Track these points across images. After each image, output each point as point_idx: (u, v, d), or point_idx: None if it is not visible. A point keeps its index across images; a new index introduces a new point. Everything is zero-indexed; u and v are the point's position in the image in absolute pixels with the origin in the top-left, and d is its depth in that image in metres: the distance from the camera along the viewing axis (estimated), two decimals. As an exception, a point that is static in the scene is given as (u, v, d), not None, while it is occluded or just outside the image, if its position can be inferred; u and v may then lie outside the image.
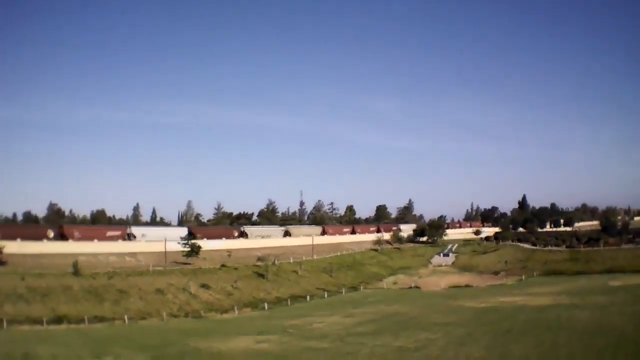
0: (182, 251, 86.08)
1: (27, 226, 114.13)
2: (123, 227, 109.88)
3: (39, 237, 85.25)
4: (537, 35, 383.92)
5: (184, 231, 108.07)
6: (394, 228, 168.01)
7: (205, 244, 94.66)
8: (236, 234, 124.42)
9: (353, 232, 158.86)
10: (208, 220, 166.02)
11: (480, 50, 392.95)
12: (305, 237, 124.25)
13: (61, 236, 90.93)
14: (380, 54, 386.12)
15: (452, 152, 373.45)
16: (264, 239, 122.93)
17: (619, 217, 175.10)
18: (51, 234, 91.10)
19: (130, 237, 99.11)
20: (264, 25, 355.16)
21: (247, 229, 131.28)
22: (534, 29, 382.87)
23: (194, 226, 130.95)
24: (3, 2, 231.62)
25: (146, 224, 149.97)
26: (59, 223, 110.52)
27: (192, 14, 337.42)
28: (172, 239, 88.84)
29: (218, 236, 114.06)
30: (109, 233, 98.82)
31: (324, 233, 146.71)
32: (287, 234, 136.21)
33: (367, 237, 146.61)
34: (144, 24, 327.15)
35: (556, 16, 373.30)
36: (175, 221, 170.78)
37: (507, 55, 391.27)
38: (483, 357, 27.34)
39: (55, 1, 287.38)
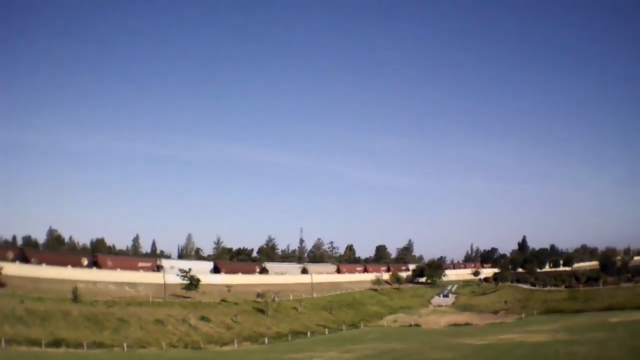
0: (181, 284, 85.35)
1: (62, 253, 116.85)
2: (153, 259, 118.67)
3: (74, 264, 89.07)
4: (540, 70, 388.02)
5: (209, 265, 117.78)
6: (403, 267, 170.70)
7: (226, 279, 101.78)
8: (258, 270, 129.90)
9: (365, 270, 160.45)
10: (208, 255, 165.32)
11: (481, 87, 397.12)
12: (317, 275, 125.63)
13: (94, 264, 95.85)
14: (380, 91, 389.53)
15: (452, 192, 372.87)
16: (270, 276, 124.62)
17: (619, 257, 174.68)
18: (85, 261, 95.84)
19: (159, 269, 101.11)
20: (266, 59, 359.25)
21: (268, 265, 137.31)
22: (537, 63, 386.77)
23: (220, 261, 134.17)
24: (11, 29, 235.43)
25: (168, 257, 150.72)
26: (91, 253, 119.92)
27: (196, 48, 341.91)
28: (199, 272, 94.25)
29: (242, 271, 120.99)
30: (140, 264, 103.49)
31: (339, 271, 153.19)
32: (304, 271, 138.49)
33: (367, 277, 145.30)
34: (146, 56, 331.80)
35: (559, 48, 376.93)
36: (175, 254, 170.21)
37: (508, 94, 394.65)
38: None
39: (64, 32, 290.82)
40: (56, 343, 51.90)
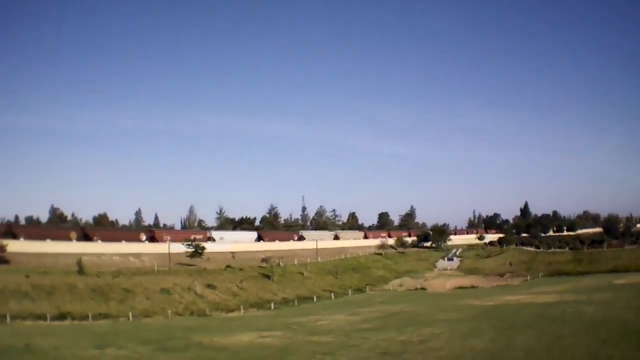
0: (186, 252, 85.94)
1: (121, 230, 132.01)
2: (203, 231, 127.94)
3: (134, 240, 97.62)
4: (540, 38, 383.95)
5: (254, 235, 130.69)
6: (405, 234, 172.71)
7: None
8: (296, 238, 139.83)
9: (389, 235, 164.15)
10: (211, 226, 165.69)
11: (482, 55, 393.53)
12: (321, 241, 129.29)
13: (151, 239, 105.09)
14: (382, 60, 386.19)
15: (454, 159, 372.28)
16: (272, 242, 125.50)
17: (621, 224, 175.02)
18: (143, 237, 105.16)
19: (210, 239, 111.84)
20: (266, 32, 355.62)
21: (304, 233, 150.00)
22: (537, 32, 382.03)
23: (264, 231, 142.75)
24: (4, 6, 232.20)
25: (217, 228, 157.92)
26: (148, 228, 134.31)
27: (192, 21, 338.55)
28: (244, 242, 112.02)
29: (284, 239, 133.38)
30: (194, 236, 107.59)
31: (366, 237, 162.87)
32: (336, 237, 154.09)
33: (372, 242, 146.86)
34: (145, 30, 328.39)
35: (560, 20, 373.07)
36: (177, 226, 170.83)
37: (509, 60, 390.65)
38: (486, 349, 26.80)
39: (59, 6, 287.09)
40: (61, 316, 51.96)
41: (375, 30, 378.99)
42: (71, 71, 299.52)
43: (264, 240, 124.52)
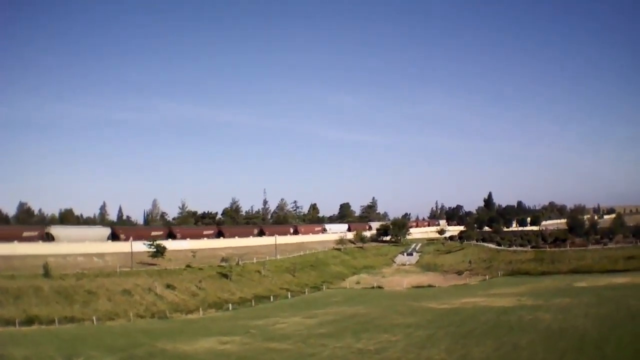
0: (147, 252, 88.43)
1: (138, 227, 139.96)
2: (165, 227, 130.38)
3: (146, 237, 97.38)
4: (506, 28, 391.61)
5: (213, 230, 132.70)
6: (366, 227, 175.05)
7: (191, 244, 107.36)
8: (256, 232, 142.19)
9: (349, 229, 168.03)
10: (173, 219, 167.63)
11: (445, 42, 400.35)
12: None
13: (169, 235, 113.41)
14: (342, 47, 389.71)
15: (417, 148, 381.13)
16: (233, 239, 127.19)
17: (588, 217, 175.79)
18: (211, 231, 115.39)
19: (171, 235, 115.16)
20: (228, 23, 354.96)
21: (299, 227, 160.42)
22: (500, 21, 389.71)
23: (224, 227, 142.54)
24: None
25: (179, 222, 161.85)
26: (110, 223, 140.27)
27: (159, 12, 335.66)
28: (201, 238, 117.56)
29: (245, 234, 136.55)
30: (205, 232, 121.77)
31: (349, 230, 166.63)
32: (324, 230, 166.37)
33: (331, 237, 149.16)
34: (114, 22, 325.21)
35: (526, 12, 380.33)
36: (141, 220, 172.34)
37: (474, 50, 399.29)
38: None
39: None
40: (29, 321, 54.33)
41: (337, 19, 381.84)
42: (36, 62, 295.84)
43: (224, 237, 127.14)
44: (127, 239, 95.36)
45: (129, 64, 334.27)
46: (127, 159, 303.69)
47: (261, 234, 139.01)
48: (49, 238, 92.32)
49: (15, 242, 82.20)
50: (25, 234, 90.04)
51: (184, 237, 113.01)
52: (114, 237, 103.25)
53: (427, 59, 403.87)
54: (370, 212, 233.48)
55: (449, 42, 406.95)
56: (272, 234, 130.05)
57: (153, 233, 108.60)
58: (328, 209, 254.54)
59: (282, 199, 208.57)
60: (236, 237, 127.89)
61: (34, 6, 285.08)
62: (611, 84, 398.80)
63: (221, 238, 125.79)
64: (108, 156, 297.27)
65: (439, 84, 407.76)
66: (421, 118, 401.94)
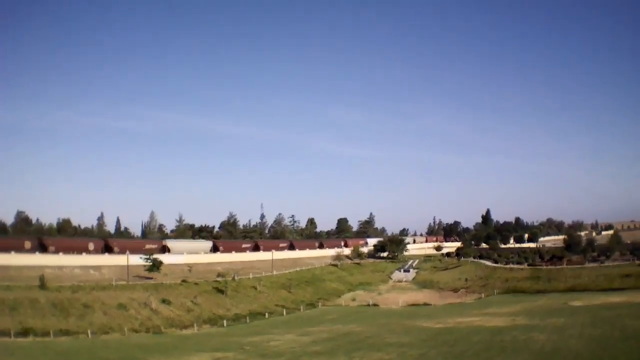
0: (144, 265, 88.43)
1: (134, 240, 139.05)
2: (159, 240, 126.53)
3: (139, 250, 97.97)
4: (506, 43, 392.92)
5: (209, 244, 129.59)
6: (362, 242, 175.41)
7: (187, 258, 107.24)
8: (252, 247, 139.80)
9: (345, 245, 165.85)
10: (171, 231, 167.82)
11: (444, 59, 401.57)
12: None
13: (162, 249, 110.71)
14: (340, 60, 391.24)
15: (415, 163, 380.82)
16: (231, 254, 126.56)
17: (585, 233, 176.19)
18: (92, 246, 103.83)
19: (165, 249, 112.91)
20: (228, 33, 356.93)
21: (294, 242, 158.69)
22: (499, 36, 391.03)
23: (219, 241, 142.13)
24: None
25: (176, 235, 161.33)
26: (104, 235, 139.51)
27: (153, 20, 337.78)
28: (197, 252, 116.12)
29: (240, 249, 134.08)
30: (147, 246, 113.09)
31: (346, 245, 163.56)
32: (321, 245, 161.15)
33: (328, 252, 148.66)
34: (113, 31, 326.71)
35: (527, 26, 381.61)
36: (138, 232, 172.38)
37: (472, 65, 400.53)
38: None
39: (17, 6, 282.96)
40: (24, 332, 54.40)
41: (334, 31, 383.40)
42: (32, 70, 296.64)
43: (219, 251, 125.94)
44: (120, 252, 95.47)
45: (129, 74, 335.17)
46: (125, 170, 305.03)
47: (256, 248, 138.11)
48: (165, 250, 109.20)
49: (13, 252, 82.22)
50: (148, 246, 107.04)
51: (180, 252, 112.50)
52: (107, 249, 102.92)
53: (426, 73, 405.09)
54: (367, 227, 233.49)
55: (449, 56, 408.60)
56: (268, 249, 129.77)
57: (147, 246, 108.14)
58: (326, 223, 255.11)
59: (279, 214, 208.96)
60: (232, 252, 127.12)
61: (34, 15, 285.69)
62: (610, 99, 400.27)
63: (217, 253, 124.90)
64: (106, 166, 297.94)
65: (438, 98, 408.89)
66: (420, 132, 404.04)
